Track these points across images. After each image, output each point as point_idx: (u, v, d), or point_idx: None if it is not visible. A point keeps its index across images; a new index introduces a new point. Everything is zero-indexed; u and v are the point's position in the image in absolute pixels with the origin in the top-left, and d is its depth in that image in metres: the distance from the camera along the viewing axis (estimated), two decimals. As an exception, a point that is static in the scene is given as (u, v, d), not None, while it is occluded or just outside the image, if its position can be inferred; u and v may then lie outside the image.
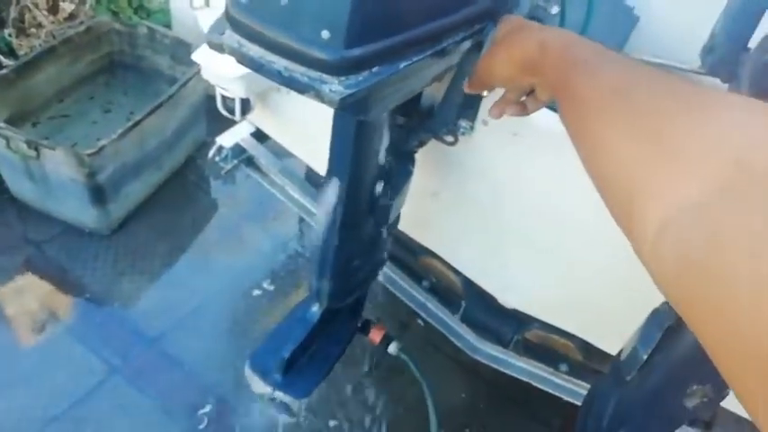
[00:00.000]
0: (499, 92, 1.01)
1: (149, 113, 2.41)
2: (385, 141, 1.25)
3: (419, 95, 1.30)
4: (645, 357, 1.12)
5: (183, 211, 2.77)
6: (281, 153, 2.18)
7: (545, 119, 1.30)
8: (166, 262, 2.57)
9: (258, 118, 1.93)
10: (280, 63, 0.73)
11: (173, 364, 2.23)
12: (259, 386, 1.64)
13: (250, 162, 2.18)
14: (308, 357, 1.54)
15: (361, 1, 0.66)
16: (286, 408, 1.64)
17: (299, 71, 0.72)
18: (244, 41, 0.75)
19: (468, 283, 1.90)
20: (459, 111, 1.33)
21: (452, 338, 1.98)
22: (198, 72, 2.59)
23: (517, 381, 1.90)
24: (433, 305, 2.00)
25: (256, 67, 0.76)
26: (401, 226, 1.75)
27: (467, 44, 0.94)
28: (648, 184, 0.49)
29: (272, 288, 2.52)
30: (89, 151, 2.22)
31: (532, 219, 1.53)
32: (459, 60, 1.00)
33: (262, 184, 2.37)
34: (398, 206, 1.44)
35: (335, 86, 0.71)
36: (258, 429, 2.10)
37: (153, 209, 2.72)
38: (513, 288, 1.75)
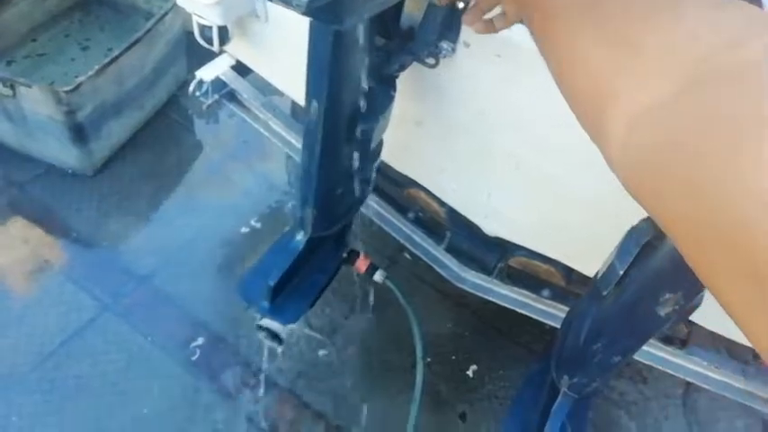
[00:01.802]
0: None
1: (126, 49, 2.35)
2: (365, 63, 1.23)
3: (398, 15, 1.27)
4: (621, 273, 1.15)
5: (168, 151, 2.74)
6: (263, 87, 2.15)
7: (529, 39, 1.28)
8: (152, 202, 2.56)
9: (237, 48, 1.88)
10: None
11: (163, 300, 2.26)
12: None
13: (232, 97, 2.14)
14: (294, 285, 1.56)
15: None
16: (274, 336, 1.68)
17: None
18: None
19: (453, 213, 1.91)
20: (440, 31, 1.30)
21: (438, 268, 2.01)
22: (174, 5, 2.52)
23: (502, 310, 1.94)
24: (418, 236, 2.02)
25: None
26: (386, 157, 1.75)
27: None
28: (615, 88, 0.48)
29: (259, 225, 2.53)
30: (66, 88, 2.17)
31: (517, 144, 1.52)
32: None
33: (246, 122, 2.34)
34: (380, 133, 1.43)
35: (304, -14, 0.69)
36: (253, 343, 2.14)
37: (136, 149, 2.69)
38: (496, 216, 1.77)
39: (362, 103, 1.27)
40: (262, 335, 1.70)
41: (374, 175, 1.66)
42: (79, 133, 2.36)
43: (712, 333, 1.69)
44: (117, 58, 2.32)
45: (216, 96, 2.10)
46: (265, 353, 1.96)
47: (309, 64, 1.15)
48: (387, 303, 2.37)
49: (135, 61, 2.45)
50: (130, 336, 2.15)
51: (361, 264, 1.76)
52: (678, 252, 0.41)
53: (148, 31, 2.44)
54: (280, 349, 1.75)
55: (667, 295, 1.00)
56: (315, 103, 1.18)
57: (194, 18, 1.67)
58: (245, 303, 1.56)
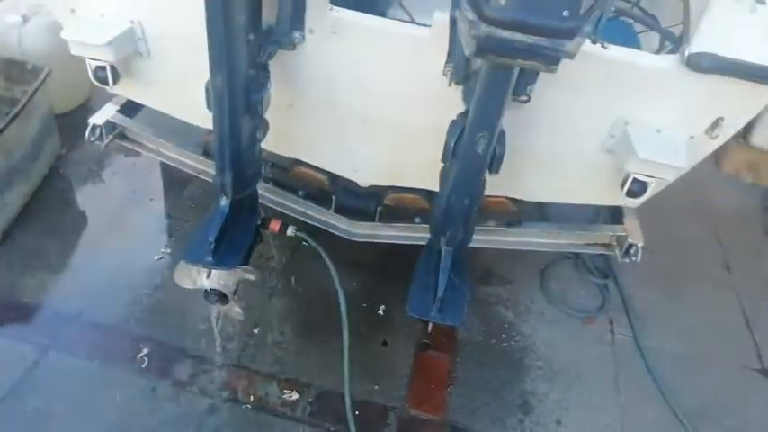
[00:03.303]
0: None
1: (9, 122, 2.60)
2: (246, 51, 1.71)
3: (260, 15, 1.78)
4: (452, 144, 1.72)
5: (63, 213, 2.95)
6: (149, 123, 2.53)
7: (354, 17, 1.85)
8: (62, 256, 2.76)
9: (126, 87, 2.25)
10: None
11: (100, 329, 2.47)
12: (188, 281, 2.02)
13: (123, 135, 2.50)
14: (227, 243, 1.95)
15: None
16: (220, 296, 2.04)
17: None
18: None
19: (333, 177, 2.42)
20: (290, 24, 1.84)
21: (332, 231, 2.49)
22: (41, 83, 2.84)
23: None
24: (311, 209, 2.50)
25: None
26: (271, 146, 2.22)
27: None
28: None
29: (169, 251, 2.83)
30: (-38, 162, 2.37)
31: (364, 102, 2.07)
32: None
33: (130, 173, 2.68)
34: (266, 105, 1.90)
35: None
36: (196, 340, 2.42)
37: (32, 217, 2.86)
38: (363, 167, 2.30)
39: (251, 77, 1.75)
40: (211, 299, 2.04)
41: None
42: (-24, 207, 2.53)
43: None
44: (2, 131, 2.55)
45: (110, 137, 2.45)
46: (214, 322, 2.26)
47: (210, 50, 1.61)
48: (299, 280, 2.80)
49: (17, 135, 2.70)
50: (79, 364, 2.34)
51: (274, 224, 2.19)
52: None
53: (24, 106, 2.70)
54: (227, 307, 2.09)
55: (477, 135, 1.58)
56: (219, 78, 1.65)
57: (87, 62, 2.04)
58: (194, 263, 1.90)
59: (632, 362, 2.73)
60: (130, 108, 2.50)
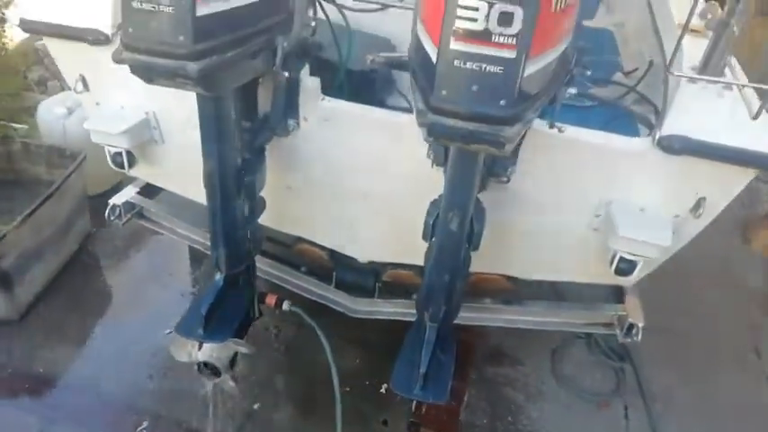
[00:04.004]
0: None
1: (42, 203, 2.82)
2: (238, 137, 1.86)
3: (256, 105, 1.94)
4: (431, 224, 1.78)
5: (86, 289, 3.11)
6: (168, 203, 2.70)
7: (343, 105, 1.99)
8: (80, 330, 2.88)
9: (142, 170, 2.44)
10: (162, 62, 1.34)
11: (105, 401, 2.54)
12: (183, 354, 2.09)
13: (141, 215, 2.67)
14: (219, 318, 2.02)
15: (198, 20, 1.30)
16: (213, 370, 2.09)
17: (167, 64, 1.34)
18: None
19: (333, 254, 2.49)
20: (284, 112, 1.99)
21: (334, 306, 2.53)
22: (76, 168, 3.09)
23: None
24: (312, 285, 2.56)
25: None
26: (272, 223, 2.33)
27: (277, 52, 1.61)
28: None
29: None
30: (-6, 239, 2.57)
31: (358, 182, 2.17)
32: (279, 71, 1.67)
33: (152, 251, 2.83)
34: (261, 186, 2.03)
35: (192, 66, 1.33)
36: (197, 416, 2.44)
37: (57, 291, 3.03)
38: (362, 244, 2.37)
39: (243, 162, 1.88)
40: (204, 373, 2.09)
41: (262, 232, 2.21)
42: (5, 281, 2.71)
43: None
44: (35, 210, 2.77)
45: (128, 216, 2.62)
46: (210, 399, 2.29)
47: (202, 137, 1.76)
48: (301, 356, 2.82)
49: (49, 214, 2.91)
50: (83, 437, 2.40)
51: (270, 299, 2.25)
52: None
53: (58, 187, 2.94)
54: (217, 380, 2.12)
55: (450, 214, 1.64)
56: (210, 162, 1.78)
57: (106, 149, 2.23)
58: (185, 336, 1.97)
59: (648, 451, 2.59)
60: (150, 190, 2.68)
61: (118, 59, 1.39)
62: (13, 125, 3.72)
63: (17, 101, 4.10)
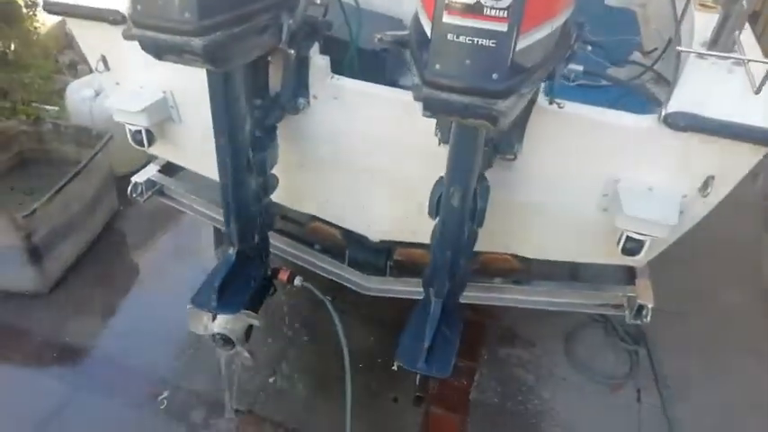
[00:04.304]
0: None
1: (70, 179, 2.93)
2: (248, 114, 1.90)
3: (267, 83, 1.98)
4: (435, 202, 1.81)
5: (113, 266, 3.24)
6: (188, 181, 2.77)
7: (352, 84, 2.02)
8: (106, 304, 3.00)
9: (161, 149, 2.51)
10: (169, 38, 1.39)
11: (129, 371, 2.65)
12: (200, 326, 2.16)
13: (161, 192, 2.75)
14: (232, 291, 2.08)
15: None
16: (227, 341, 2.16)
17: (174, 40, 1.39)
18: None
19: (346, 233, 2.54)
20: (294, 90, 2.02)
21: (347, 284, 2.58)
22: (102, 147, 3.19)
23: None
24: (326, 263, 2.61)
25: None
26: (285, 202, 2.39)
27: (283, 29, 1.64)
28: None
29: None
30: (23, 213, 2.69)
31: (368, 160, 2.19)
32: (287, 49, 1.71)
33: (175, 230, 2.91)
34: (272, 163, 2.08)
35: (197, 41, 1.38)
36: (216, 386, 2.53)
37: (85, 267, 3.16)
38: (373, 223, 2.41)
39: (254, 140, 1.93)
40: (218, 344, 2.17)
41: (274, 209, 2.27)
42: (35, 255, 2.84)
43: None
44: (63, 187, 2.89)
45: (149, 193, 2.71)
46: (223, 370, 2.37)
47: (213, 114, 1.81)
48: (315, 333, 2.89)
49: (77, 191, 3.03)
50: (104, 404, 2.52)
51: (283, 274, 2.31)
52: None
53: (86, 165, 3.05)
54: (231, 351, 2.20)
55: (452, 189, 1.66)
56: (221, 139, 1.84)
57: (126, 127, 2.31)
58: (198, 308, 2.05)
59: (659, 433, 2.58)
60: (171, 168, 2.76)
61: (128, 36, 1.44)
62: (45, 107, 3.86)
63: (49, 84, 4.24)
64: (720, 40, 1.67)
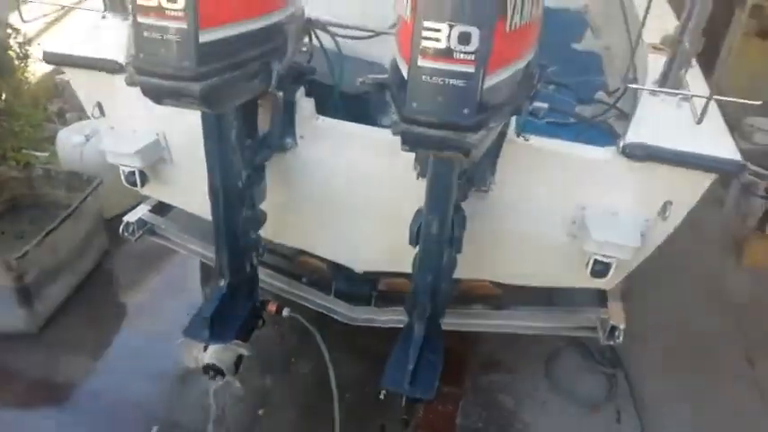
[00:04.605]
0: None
1: (61, 222, 3.01)
2: (240, 154, 2.03)
3: (256, 125, 2.12)
4: (415, 230, 1.93)
5: (102, 305, 3.29)
6: (178, 220, 2.87)
7: (337, 124, 2.17)
8: (97, 342, 3.04)
9: (153, 189, 2.62)
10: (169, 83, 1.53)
11: (119, 406, 2.68)
12: (192, 359, 2.23)
13: (152, 231, 2.85)
14: (223, 322, 2.17)
15: (201, 46, 1.49)
16: (218, 372, 2.23)
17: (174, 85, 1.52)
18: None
19: (332, 265, 2.64)
20: (282, 131, 2.17)
21: (334, 315, 2.67)
22: (92, 191, 3.28)
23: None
24: (313, 295, 2.71)
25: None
26: (274, 237, 2.50)
27: (272, 74, 1.79)
28: None
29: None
30: (16, 255, 2.76)
31: (353, 196, 2.33)
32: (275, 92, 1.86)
33: (162, 269, 2.99)
34: (261, 199, 2.20)
35: (195, 86, 1.52)
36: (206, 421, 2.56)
37: (74, 308, 3.20)
38: (358, 255, 2.52)
39: (244, 177, 2.05)
40: (209, 374, 2.23)
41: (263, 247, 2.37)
42: (26, 296, 2.89)
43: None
44: (54, 229, 2.97)
45: (141, 232, 2.80)
46: (211, 399, 2.41)
47: (206, 153, 1.94)
48: (304, 364, 2.95)
49: (67, 234, 3.10)
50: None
51: (271, 306, 2.40)
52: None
53: (76, 208, 3.14)
54: (222, 382, 2.26)
55: (430, 218, 1.79)
56: (214, 176, 1.96)
57: (120, 169, 2.42)
58: (191, 338, 2.12)
59: (639, 455, 2.67)
60: (162, 208, 2.87)
61: (130, 82, 1.57)
62: (35, 153, 3.95)
63: (39, 131, 4.34)
64: (669, 78, 1.85)
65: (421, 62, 1.34)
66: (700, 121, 1.74)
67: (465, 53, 1.30)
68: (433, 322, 2.06)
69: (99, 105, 2.40)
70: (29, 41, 4.64)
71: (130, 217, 2.78)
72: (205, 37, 1.51)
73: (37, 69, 4.65)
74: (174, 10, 1.46)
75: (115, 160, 2.39)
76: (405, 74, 1.40)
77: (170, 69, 1.52)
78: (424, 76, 1.35)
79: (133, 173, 2.41)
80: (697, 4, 1.71)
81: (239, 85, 1.69)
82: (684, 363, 3.14)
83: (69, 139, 3.75)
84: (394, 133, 1.44)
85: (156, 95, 1.60)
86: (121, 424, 2.62)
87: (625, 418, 2.83)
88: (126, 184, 2.49)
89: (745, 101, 1.63)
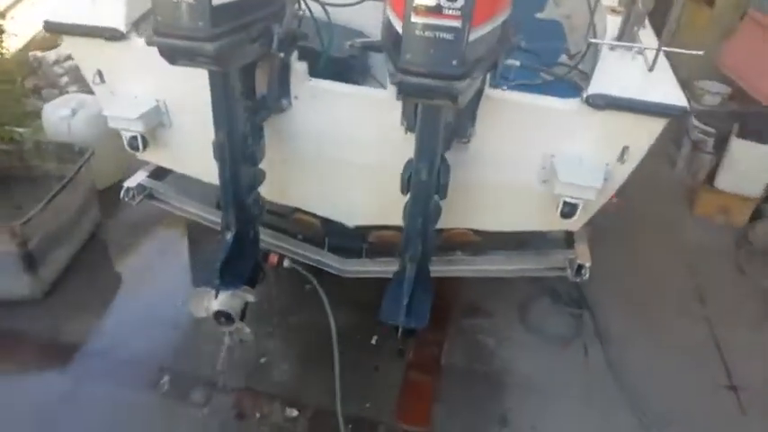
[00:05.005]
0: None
1: (60, 190, 3.14)
2: (243, 113, 2.21)
3: (254, 87, 2.29)
4: (406, 179, 2.15)
5: (101, 270, 3.43)
6: (174, 184, 3.03)
7: (328, 84, 2.36)
8: (99, 304, 3.19)
9: (153, 154, 2.77)
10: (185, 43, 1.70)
11: (128, 362, 2.86)
12: (201, 308, 2.42)
13: (151, 195, 3.00)
14: (231, 270, 2.36)
15: (214, 9, 1.66)
16: (228, 317, 2.42)
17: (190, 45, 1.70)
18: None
19: (325, 221, 2.85)
20: (278, 92, 2.35)
21: (327, 268, 2.89)
22: (86, 161, 3.40)
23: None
24: (308, 250, 2.92)
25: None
26: (270, 196, 2.68)
27: (273, 36, 1.97)
28: None
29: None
30: (20, 221, 2.88)
31: (345, 153, 2.52)
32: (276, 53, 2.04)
33: (157, 237, 3.16)
34: (261, 157, 2.38)
35: (209, 46, 1.70)
36: (211, 368, 2.77)
37: (75, 273, 3.33)
38: (349, 209, 2.73)
39: (247, 134, 2.24)
40: (220, 320, 2.42)
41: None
42: (31, 261, 3.02)
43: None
44: (54, 197, 3.09)
45: (141, 197, 2.95)
46: (224, 350, 2.62)
47: (214, 111, 2.11)
48: (301, 316, 3.17)
49: (65, 201, 3.23)
50: (108, 392, 2.71)
51: (272, 258, 2.61)
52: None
53: (73, 177, 3.26)
54: (232, 327, 2.46)
55: (420, 165, 2.02)
56: (220, 134, 2.14)
57: (123, 133, 2.57)
58: (203, 285, 2.31)
59: (604, 379, 2.98)
60: (159, 174, 3.02)
61: (149, 43, 1.74)
62: (18, 129, 4.02)
63: (18, 107, 4.39)
64: (625, 35, 2.10)
65: (414, 18, 1.54)
66: (651, 69, 1.99)
67: (453, 9, 1.52)
68: (423, 263, 2.30)
69: (99, 73, 2.53)
70: (2, 14, 4.66)
71: (130, 182, 2.92)
72: (217, 0, 1.69)
73: (11, 45, 4.68)
74: (191, -24, 1.63)
75: (118, 125, 2.53)
76: (399, 29, 1.61)
77: (186, 31, 1.70)
78: (417, 31, 1.55)
79: (135, 137, 2.56)
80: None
81: (246, 46, 1.88)
82: (643, 302, 3.47)
83: (56, 113, 3.84)
84: (391, 82, 1.65)
85: (172, 56, 1.77)
86: (133, 376, 2.80)
87: (591, 352, 3.14)
88: (128, 149, 2.63)
89: (690, 51, 1.89)
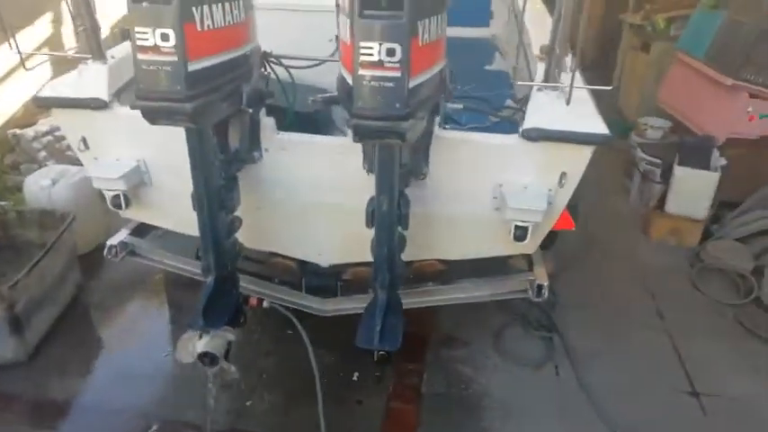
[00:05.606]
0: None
1: (44, 254, 3.28)
2: (217, 167, 2.43)
3: (227, 142, 2.53)
4: (371, 211, 2.37)
5: (84, 330, 3.53)
6: (155, 241, 3.21)
7: (295, 136, 2.61)
8: (84, 362, 3.28)
9: (135, 212, 2.96)
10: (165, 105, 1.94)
11: (116, 414, 2.93)
12: (187, 354, 2.56)
13: (133, 252, 3.16)
14: (213, 313, 2.52)
15: (188, 73, 1.91)
16: (213, 358, 2.56)
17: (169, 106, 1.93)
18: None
19: (301, 263, 3.04)
20: (250, 146, 2.58)
21: (307, 310, 3.05)
22: (66, 228, 3.56)
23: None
24: (285, 293, 3.09)
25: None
26: (247, 242, 2.87)
27: (242, 95, 2.23)
28: None
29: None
30: (7, 284, 3.01)
31: (315, 197, 2.74)
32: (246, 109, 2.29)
33: (136, 294, 3.32)
34: (236, 205, 2.59)
35: (187, 105, 1.93)
36: (197, 414, 2.85)
37: (59, 335, 3.43)
38: (322, 250, 2.93)
39: (223, 185, 2.45)
40: (205, 362, 2.55)
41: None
42: (16, 325, 3.12)
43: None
44: (40, 259, 3.23)
45: (123, 254, 3.11)
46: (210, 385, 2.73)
47: (192, 165, 2.32)
48: (284, 357, 3.29)
49: (49, 265, 3.36)
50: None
51: (253, 300, 2.77)
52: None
53: (56, 241, 3.40)
54: (216, 368, 2.58)
55: (381, 198, 2.24)
56: (198, 186, 2.35)
57: (106, 193, 2.75)
58: (188, 330, 2.45)
59: (576, 397, 3.13)
60: (140, 231, 3.20)
61: (133, 107, 1.97)
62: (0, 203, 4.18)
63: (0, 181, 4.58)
64: (549, 77, 2.41)
65: (361, 71, 1.80)
66: (568, 103, 2.29)
67: (392, 63, 1.78)
68: (393, 290, 2.48)
69: (84, 140, 2.74)
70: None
71: (113, 240, 3.10)
72: (192, 67, 1.94)
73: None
74: (167, 47, 1.88)
75: (101, 185, 2.72)
76: (350, 82, 1.86)
77: (165, 94, 1.93)
78: (364, 82, 1.81)
79: (118, 195, 2.74)
80: (560, 22, 2.29)
81: (219, 104, 2.12)
82: (607, 322, 3.68)
83: (37, 183, 4.02)
84: (348, 126, 1.90)
85: (153, 116, 2.00)
86: (122, 428, 2.88)
87: (562, 372, 3.30)
88: (111, 208, 2.81)
89: (597, 87, 2.21)
